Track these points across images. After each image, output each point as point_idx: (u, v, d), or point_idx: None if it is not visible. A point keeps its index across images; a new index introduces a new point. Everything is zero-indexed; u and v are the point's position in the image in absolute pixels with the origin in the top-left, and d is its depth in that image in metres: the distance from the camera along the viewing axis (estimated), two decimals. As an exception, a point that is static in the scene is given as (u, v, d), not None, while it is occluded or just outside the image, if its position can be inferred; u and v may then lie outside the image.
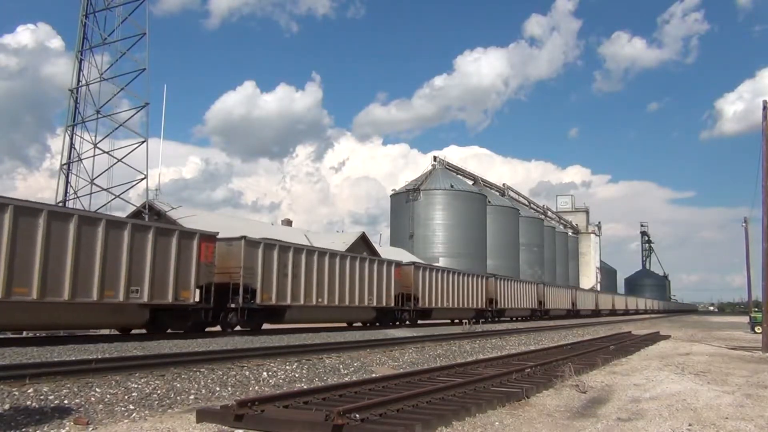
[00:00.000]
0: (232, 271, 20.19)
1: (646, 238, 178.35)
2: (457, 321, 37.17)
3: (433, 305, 32.51)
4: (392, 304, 28.97)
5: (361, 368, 12.71)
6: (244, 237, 20.96)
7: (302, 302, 22.77)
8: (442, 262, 57.72)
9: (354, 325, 28.98)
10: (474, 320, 36.84)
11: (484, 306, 39.07)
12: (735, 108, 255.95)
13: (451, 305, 34.56)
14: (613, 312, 78.97)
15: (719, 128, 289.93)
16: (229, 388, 9.44)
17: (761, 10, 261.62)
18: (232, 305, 20.22)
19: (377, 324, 28.58)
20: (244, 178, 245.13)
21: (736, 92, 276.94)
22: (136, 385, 8.71)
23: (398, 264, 30.59)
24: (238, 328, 21.11)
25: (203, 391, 9.04)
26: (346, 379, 11.19)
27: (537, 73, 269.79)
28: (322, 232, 54.75)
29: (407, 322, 30.75)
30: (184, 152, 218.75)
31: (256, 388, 9.77)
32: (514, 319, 46.67)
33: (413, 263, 32.84)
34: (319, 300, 23.83)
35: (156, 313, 17.70)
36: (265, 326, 22.93)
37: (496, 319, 41.10)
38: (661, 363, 15.52)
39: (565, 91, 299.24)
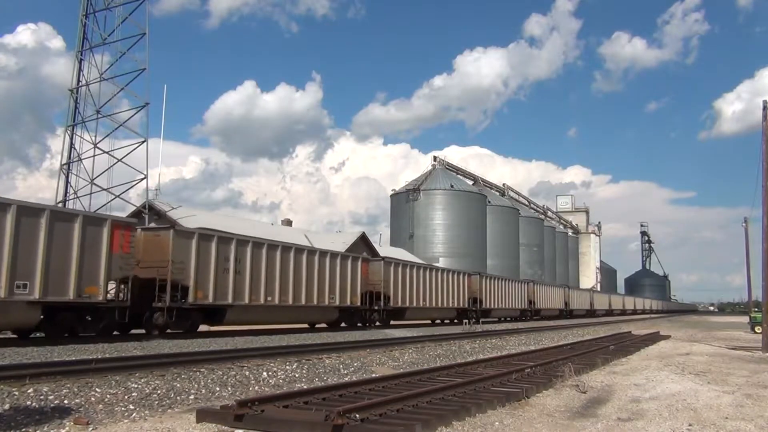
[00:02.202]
0: (159, 265, 17.84)
1: (646, 238, 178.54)
2: (439, 322, 36.76)
3: (407, 304, 30.45)
4: (358, 304, 26.85)
5: (361, 368, 12.71)
6: (173, 226, 19.68)
7: (247, 301, 20.53)
8: (442, 262, 57.72)
9: (316, 326, 26.96)
10: (456, 321, 36.17)
11: (466, 305, 36.98)
12: (734, 108, 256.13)
13: (427, 304, 32.52)
14: (609, 312, 76.96)
15: (718, 128, 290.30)
16: (229, 388, 9.44)
17: (762, 11, 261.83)
18: (159, 304, 17.94)
19: (342, 325, 26.91)
20: (244, 178, 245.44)
21: (735, 92, 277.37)
22: (136, 385, 8.71)
23: (365, 259, 28.82)
24: (377, 323, 23.52)
25: (203, 391, 9.04)
26: (346, 379, 11.19)
27: (537, 73, 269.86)
28: (322, 233, 54.79)
29: (377, 323, 28.78)
30: (184, 152, 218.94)
31: (256, 388, 9.77)
32: (501, 320, 44.48)
33: (383, 258, 30.94)
34: (269, 299, 21.50)
35: (53, 312, 15.42)
36: (203, 328, 20.78)
37: (481, 321, 37.27)
38: (661, 363, 15.52)
39: (564, 91, 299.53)
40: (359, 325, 27.55)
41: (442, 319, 37.05)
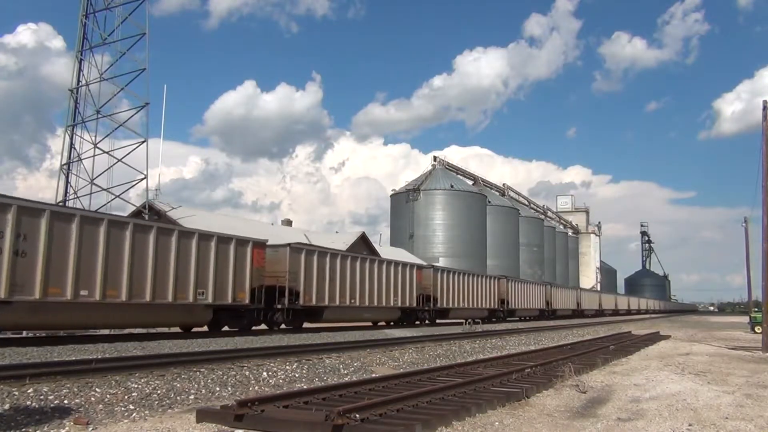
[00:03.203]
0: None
1: (646, 238, 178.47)
2: (475, 321, 37.61)
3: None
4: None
5: (361, 368, 12.71)
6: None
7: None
8: (442, 262, 57.68)
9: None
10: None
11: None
12: (733, 108, 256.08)
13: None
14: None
15: (717, 128, 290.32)
16: (229, 388, 9.44)
17: (762, 11, 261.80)
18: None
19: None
20: (244, 178, 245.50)
21: (734, 92, 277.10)
22: (136, 385, 8.71)
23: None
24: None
25: (203, 391, 9.04)
26: (346, 379, 11.19)
27: (537, 73, 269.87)
28: (322, 233, 54.72)
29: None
30: (184, 152, 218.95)
31: (256, 388, 9.77)
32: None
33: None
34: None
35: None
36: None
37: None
38: (661, 363, 15.52)
39: (564, 91, 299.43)
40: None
41: (476, 318, 38.13)
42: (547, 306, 52.02)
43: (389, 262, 29.99)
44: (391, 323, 31.15)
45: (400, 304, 29.92)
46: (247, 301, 20.65)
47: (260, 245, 21.62)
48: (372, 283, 27.66)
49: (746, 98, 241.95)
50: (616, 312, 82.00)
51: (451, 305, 34.63)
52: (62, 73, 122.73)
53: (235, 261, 20.20)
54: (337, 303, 25.01)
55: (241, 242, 20.71)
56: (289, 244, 23.39)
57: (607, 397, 9.57)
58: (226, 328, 21.15)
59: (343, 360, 13.52)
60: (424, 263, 38.72)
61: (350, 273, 26.11)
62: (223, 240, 19.97)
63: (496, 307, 41.31)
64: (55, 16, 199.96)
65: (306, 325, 25.10)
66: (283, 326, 23.46)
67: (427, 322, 33.19)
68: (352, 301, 26.15)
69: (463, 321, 36.89)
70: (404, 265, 31.13)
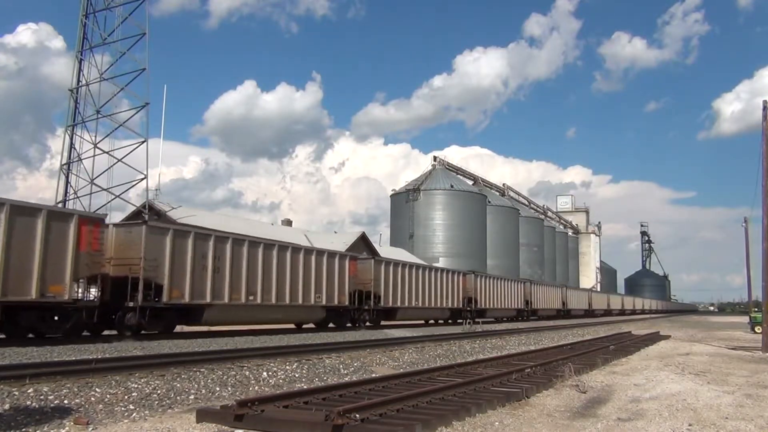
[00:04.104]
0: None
1: (646, 238, 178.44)
2: (432, 322, 36.22)
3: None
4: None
5: (361, 368, 12.72)
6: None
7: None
8: (442, 262, 57.71)
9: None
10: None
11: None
12: (733, 108, 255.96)
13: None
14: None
15: (717, 128, 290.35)
16: (229, 388, 9.44)
17: (762, 11, 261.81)
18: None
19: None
20: (244, 178, 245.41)
21: (734, 92, 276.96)
22: (136, 385, 8.71)
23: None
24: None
25: (203, 391, 9.04)
26: (346, 379, 11.19)
27: (537, 73, 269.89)
28: (322, 233, 54.77)
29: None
30: (184, 152, 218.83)
31: (256, 388, 9.77)
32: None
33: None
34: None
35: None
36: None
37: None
38: (661, 363, 15.52)
39: (564, 91, 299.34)
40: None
41: (435, 319, 36.54)
42: (527, 306, 47.16)
43: (309, 250, 24.69)
44: (315, 325, 26.19)
45: (325, 303, 24.63)
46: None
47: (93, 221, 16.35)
48: (283, 277, 22.42)
49: (746, 98, 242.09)
50: (622, 312, 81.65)
51: (398, 304, 29.67)
52: (62, 73, 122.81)
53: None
54: (226, 300, 19.79)
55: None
56: (145, 222, 19.24)
57: (607, 397, 9.57)
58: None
59: (343, 360, 13.52)
60: (362, 255, 32.91)
61: (248, 263, 20.89)
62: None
63: (462, 306, 36.19)
64: (55, 16, 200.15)
65: (182, 329, 20.19)
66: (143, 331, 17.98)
67: (367, 324, 28.01)
68: (251, 298, 20.79)
69: (423, 322, 35.29)
70: (332, 254, 25.85)
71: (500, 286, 41.06)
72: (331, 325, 26.26)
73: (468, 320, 34.38)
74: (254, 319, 22.47)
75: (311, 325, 26.16)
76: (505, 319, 44.26)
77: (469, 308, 35.22)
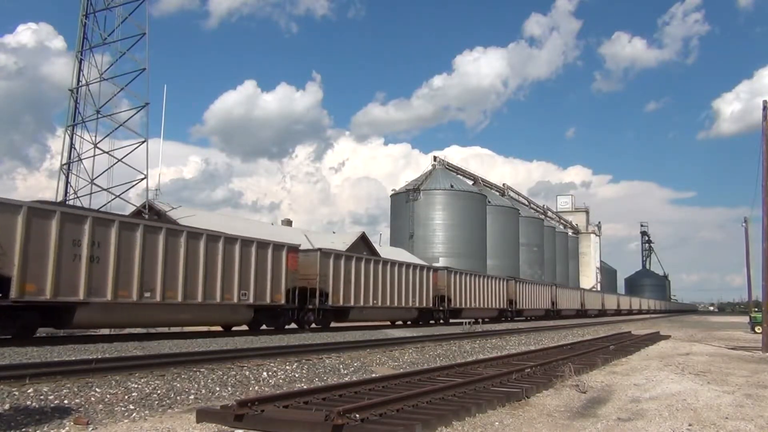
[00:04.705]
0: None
1: (646, 238, 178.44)
2: (400, 323, 34.67)
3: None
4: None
5: (361, 368, 12.71)
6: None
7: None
8: (441, 262, 57.66)
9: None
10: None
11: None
12: (732, 108, 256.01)
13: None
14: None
15: (717, 128, 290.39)
16: (229, 388, 9.44)
17: (762, 12, 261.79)
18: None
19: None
20: (244, 178, 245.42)
21: (733, 92, 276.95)
22: (136, 385, 8.71)
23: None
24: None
25: (203, 391, 9.04)
26: (346, 379, 11.19)
27: (537, 73, 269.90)
28: (322, 233, 54.74)
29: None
30: (184, 152, 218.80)
31: (256, 388, 9.77)
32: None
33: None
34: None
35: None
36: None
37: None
38: (661, 363, 15.52)
39: (564, 91, 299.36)
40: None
41: (486, 317, 38.32)
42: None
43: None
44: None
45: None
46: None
47: None
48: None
49: (745, 98, 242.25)
50: (618, 312, 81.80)
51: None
52: (62, 73, 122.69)
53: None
54: (108, 297, 15.88)
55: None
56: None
57: (607, 397, 9.57)
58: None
59: (343, 360, 13.52)
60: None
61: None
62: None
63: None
64: (55, 16, 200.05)
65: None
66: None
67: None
68: (147, 294, 16.94)
69: (390, 323, 34.35)
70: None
71: (479, 284, 37.75)
72: (263, 327, 22.55)
73: (440, 320, 34.16)
74: (152, 320, 19.15)
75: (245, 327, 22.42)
76: (487, 320, 41.34)
77: (441, 308, 32.97)
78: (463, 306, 35.52)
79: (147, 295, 17.00)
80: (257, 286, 20.98)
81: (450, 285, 33.59)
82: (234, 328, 22.43)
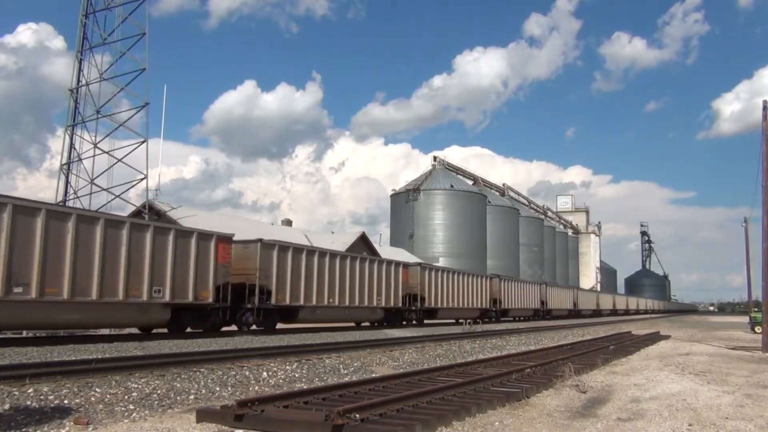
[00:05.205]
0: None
1: (646, 238, 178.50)
2: (461, 321, 36.58)
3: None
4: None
5: (361, 368, 12.71)
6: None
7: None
8: (442, 262, 57.69)
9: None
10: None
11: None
12: (732, 108, 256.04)
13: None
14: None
15: (716, 129, 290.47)
16: (229, 388, 9.44)
17: (762, 12, 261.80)
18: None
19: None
20: (244, 178, 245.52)
21: (733, 92, 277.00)
22: (136, 385, 8.71)
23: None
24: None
25: (203, 391, 9.04)
26: (346, 379, 11.19)
27: (537, 73, 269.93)
28: (322, 232, 54.75)
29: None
30: (184, 152, 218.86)
31: (256, 388, 9.77)
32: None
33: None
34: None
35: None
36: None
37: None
38: (661, 363, 15.52)
39: (564, 91, 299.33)
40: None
41: (466, 318, 37.01)
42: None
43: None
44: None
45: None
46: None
47: None
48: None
49: (745, 98, 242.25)
50: (615, 312, 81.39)
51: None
52: (62, 73, 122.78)
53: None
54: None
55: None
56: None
57: (607, 397, 9.57)
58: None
59: (343, 360, 13.52)
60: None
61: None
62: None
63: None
64: (55, 16, 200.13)
65: None
66: None
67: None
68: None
69: (454, 321, 35.92)
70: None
71: (458, 282, 34.92)
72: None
73: (494, 319, 37.96)
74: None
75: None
76: (469, 321, 39.91)
77: (413, 307, 30.48)
78: (440, 306, 32.74)
79: (18, 290, 14.02)
80: (176, 281, 17.85)
81: (424, 282, 30.81)
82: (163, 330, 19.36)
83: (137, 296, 16.79)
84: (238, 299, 20.26)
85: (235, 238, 20.47)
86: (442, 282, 33.13)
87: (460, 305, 35.34)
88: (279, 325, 22.92)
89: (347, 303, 25.05)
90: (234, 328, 21.29)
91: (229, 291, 19.64)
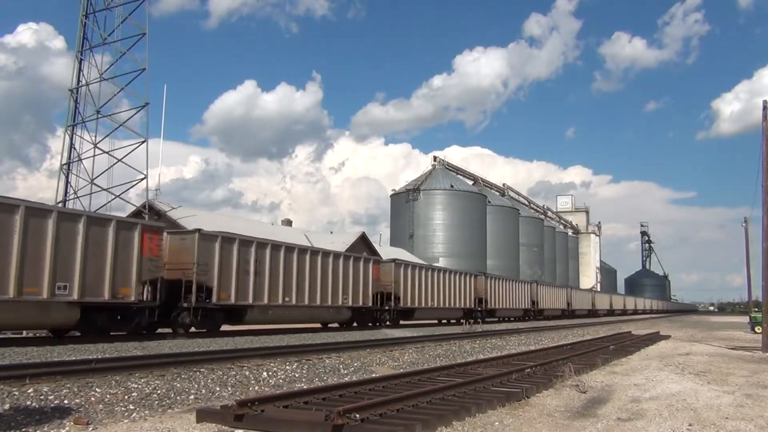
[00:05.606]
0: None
1: (646, 238, 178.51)
2: (445, 321, 36.28)
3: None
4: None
5: (361, 368, 12.71)
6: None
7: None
8: (442, 262, 57.70)
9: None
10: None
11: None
12: (732, 108, 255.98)
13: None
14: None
15: (716, 129, 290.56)
16: (229, 388, 9.44)
17: (762, 12, 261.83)
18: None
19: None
20: (244, 178, 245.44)
21: (733, 92, 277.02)
22: (136, 385, 8.71)
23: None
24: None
25: (203, 391, 9.04)
26: (346, 379, 11.19)
27: (537, 73, 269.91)
28: (321, 232, 54.76)
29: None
30: (184, 152, 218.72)
31: (256, 388, 9.77)
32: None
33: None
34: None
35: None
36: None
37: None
38: (661, 363, 15.51)
39: (564, 91, 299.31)
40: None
41: (448, 318, 36.48)
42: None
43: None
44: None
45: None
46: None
47: None
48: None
49: (745, 98, 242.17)
50: (612, 312, 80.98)
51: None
52: (62, 73, 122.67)
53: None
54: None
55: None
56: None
57: (607, 397, 9.57)
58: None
59: (343, 360, 13.52)
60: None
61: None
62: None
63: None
64: (55, 16, 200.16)
65: None
66: None
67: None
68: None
69: (436, 321, 35.06)
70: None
71: (438, 280, 32.88)
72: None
73: (479, 319, 35.50)
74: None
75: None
76: (512, 318, 41.13)
77: (386, 307, 28.37)
78: (417, 305, 30.67)
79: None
80: (87, 276, 15.50)
81: (399, 280, 28.67)
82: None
83: (35, 293, 14.27)
84: (173, 298, 18.19)
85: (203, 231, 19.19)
86: (419, 280, 30.88)
87: (441, 305, 33.20)
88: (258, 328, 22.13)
89: (307, 302, 22.76)
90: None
91: (158, 288, 17.45)
